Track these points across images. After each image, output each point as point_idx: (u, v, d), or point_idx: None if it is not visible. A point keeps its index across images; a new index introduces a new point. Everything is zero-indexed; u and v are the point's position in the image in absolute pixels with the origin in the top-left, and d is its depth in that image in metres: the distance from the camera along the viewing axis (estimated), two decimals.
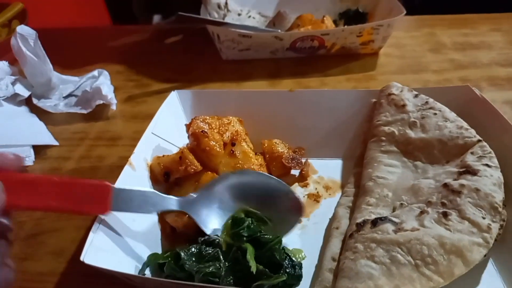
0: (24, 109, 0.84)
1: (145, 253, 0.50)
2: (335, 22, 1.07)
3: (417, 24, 1.13)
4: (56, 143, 0.76)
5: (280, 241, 0.47)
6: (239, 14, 1.07)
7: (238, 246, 0.46)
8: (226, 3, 1.07)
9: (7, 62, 0.88)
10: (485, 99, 0.61)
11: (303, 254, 0.51)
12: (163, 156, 0.60)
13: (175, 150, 0.63)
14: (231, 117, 0.65)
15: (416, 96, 0.63)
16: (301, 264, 0.48)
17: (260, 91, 0.73)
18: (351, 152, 0.65)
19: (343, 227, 0.52)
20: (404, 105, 0.61)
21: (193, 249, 0.47)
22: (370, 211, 0.50)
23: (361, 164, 0.61)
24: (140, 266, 0.48)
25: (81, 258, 0.42)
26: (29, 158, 0.70)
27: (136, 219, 0.51)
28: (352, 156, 0.65)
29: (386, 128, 0.60)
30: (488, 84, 0.86)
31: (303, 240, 0.54)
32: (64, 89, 0.88)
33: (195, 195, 0.52)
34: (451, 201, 0.47)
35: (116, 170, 0.55)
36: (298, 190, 0.62)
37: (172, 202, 0.51)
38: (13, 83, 0.85)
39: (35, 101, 0.84)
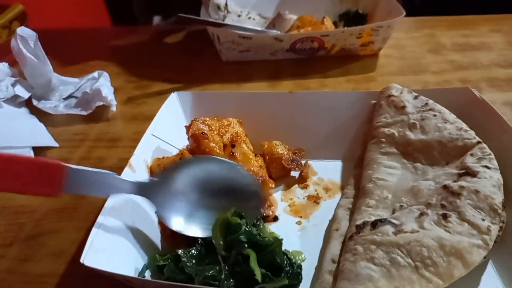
0: (24, 110, 0.84)
1: (144, 255, 0.50)
2: (335, 23, 1.07)
3: (417, 25, 1.13)
4: (56, 145, 0.76)
5: (281, 244, 0.47)
6: (239, 16, 1.08)
7: (239, 252, 0.45)
8: (226, 5, 1.07)
9: (7, 64, 0.88)
10: (485, 100, 0.61)
11: (303, 256, 0.51)
12: (163, 157, 0.60)
13: (175, 152, 0.63)
14: (231, 119, 0.65)
15: (416, 97, 0.63)
16: (301, 265, 0.48)
17: (260, 93, 0.73)
18: (350, 154, 0.65)
19: (343, 229, 0.52)
20: (404, 107, 0.61)
21: (193, 251, 0.47)
22: (370, 213, 0.50)
23: (361, 165, 0.61)
24: (140, 268, 0.48)
25: (81, 260, 0.42)
26: None
27: (135, 221, 0.51)
28: (351, 157, 0.65)
29: (386, 130, 0.60)
30: (487, 85, 0.86)
31: (302, 242, 0.54)
32: (64, 90, 0.88)
33: (154, 179, 0.50)
34: (450, 203, 0.47)
35: (116, 171, 0.55)
36: (298, 192, 0.62)
37: (128, 185, 0.49)
38: (13, 85, 0.85)
39: (35, 102, 0.84)
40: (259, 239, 0.46)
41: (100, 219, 0.47)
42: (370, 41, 0.94)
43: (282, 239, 0.48)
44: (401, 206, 0.50)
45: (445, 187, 0.49)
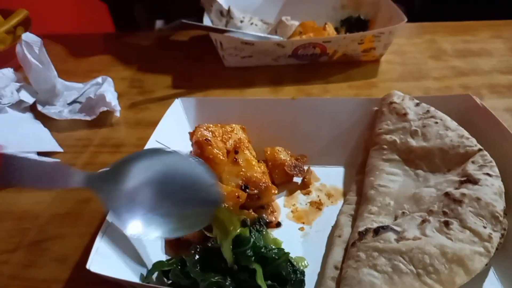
0: (28, 115, 0.84)
1: (149, 260, 0.50)
2: (336, 29, 1.07)
3: (418, 31, 1.13)
4: (61, 150, 0.76)
5: (287, 258, 0.47)
6: (241, 21, 1.08)
7: (245, 266, 0.45)
8: (228, 10, 1.08)
9: (12, 69, 0.88)
10: (486, 107, 0.62)
11: (305, 262, 0.51)
12: None
13: None
14: (234, 125, 0.66)
15: (417, 104, 0.63)
16: (303, 272, 0.48)
17: (262, 99, 0.73)
18: (353, 160, 0.66)
19: (345, 235, 0.53)
20: (405, 114, 0.62)
21: (198, 257, 0.47)
22: (372, 220, 0.51)
23: (363, 172, 0.61)
24: (144, 274, 0.48)
25: (87, 266, 0.43)
26: None
27: None
28: (354, 163, 0.65)
29: (387, 137, 0.61)
30: (488, 91, 0.86)
31: (305, 248, 0.54)
32: (68, 95, 0.89)
33: (104, 170, 0.46)
34: (452, 210, 0.47)
35: None
36: (301, 198, 0.62)
37: (76, 177, 0.44)
38: (18, 90, 0.85)
39: (39, 107, 0.85)
40: (265, 252, 0.46)
41: (106, 224, 0.48)
42: (372, 47, 0.95)
43: (288, 253, 0.48)
44: (403, 213, 0.51)
45: (446, 194, 0.49)
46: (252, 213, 0.56)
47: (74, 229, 0.61)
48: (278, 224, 0.58)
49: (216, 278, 0.44)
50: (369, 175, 0.58)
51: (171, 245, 0.54)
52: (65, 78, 0.91)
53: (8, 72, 0.87)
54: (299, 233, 0.57)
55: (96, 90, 0.86)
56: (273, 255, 0.46)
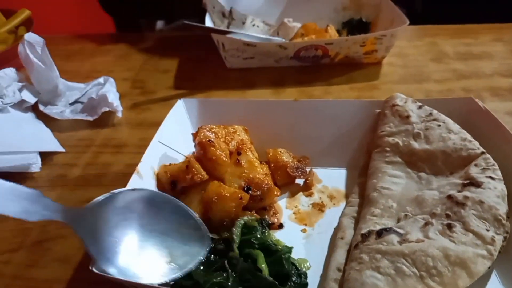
0: (30, 115, 0.84)
1: None
2: (338, 31, 1.08)
3: (420, 34, 1.14)
4: (63, 150, 0.76)
5: (290, 252, 0.47)
6: (243, 23, 1.09)
7: (247, 254, 0.45)
8: (230, 12, 1.08)
9: (14, 69, 0.88)
10: (488, 110, 0.62)
11: (308, 263, 0.51)
12: (170, 164, 0.60)
13: (181, 159, 0.64)
14: (236, 126, 0.66)
15: (420, 107, 0.64)
16: (306, 273, 0.48)
17: (265, 101, 0.74)
18: (355, 162, 0.66)
19: (348, 237, 0.53)
20: (408, 116, 0.62)
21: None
22: (375, 222, 0.51)
23: (365, 174, 0.61)
24: None
25: (90, 267, 0.43)
26: (36, 165, 0.71)
27: None
28: (356, 165, 0.65)
29: (390, 139, 0.61)
30: (490, 94, 0.86)
31: (308, 250, 0.54)
32: (70, 95, 0.89)
33: (83, 208, 0.44)
34: (455, 213, 0.47)
35: (122, 177, 0.55)
36: (303, 199, 0.62)
37: (54, 210, 0.41)
38: (20, 90, 0.85)
39: (41, 107, 0.85)
40: (270, 244, 0.47)
41: None
42: (374, 50, 0.95)
43: (292, 247, 0.48)
44: (406, 215, 0.51)
45: (449, 197, 0.49)
46: (255, 214, 0.56)
47: None
48: (280, 226, 0.58)
49: (218, 278, 0.44)
50: (372, 177, 0.58)
51: None
52: (67, 78, 0.91)
53: (10, 72, 0.87)
54: (302, 234, 0.57)
55: (98, 90, 0.86)
56: (277, 248, 0.47)
